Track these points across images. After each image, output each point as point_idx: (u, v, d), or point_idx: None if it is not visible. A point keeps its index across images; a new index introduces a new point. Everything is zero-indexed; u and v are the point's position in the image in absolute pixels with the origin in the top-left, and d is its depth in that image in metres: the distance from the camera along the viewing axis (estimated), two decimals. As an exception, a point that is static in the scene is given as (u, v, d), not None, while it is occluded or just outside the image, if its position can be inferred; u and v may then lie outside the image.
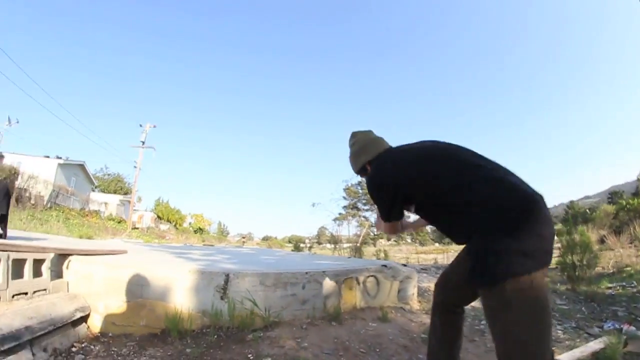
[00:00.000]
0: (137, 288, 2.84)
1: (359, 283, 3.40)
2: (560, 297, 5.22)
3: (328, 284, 3.19)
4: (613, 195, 33.67)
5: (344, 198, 25.29)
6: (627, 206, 17.00)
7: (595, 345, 3.06)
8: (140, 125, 28.33)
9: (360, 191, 28.05)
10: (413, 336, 3.06)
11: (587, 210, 30.40)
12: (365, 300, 3.44)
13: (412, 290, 3.88)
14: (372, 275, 3.50)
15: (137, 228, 30.29)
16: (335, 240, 13.26)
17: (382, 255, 10.98)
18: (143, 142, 27.91)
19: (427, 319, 3.53)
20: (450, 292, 1.64)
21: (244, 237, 39.44)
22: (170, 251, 6.16)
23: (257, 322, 2.82)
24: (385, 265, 3.66)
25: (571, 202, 38.41)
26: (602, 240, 11.61)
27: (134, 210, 31.65)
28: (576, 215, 30.97)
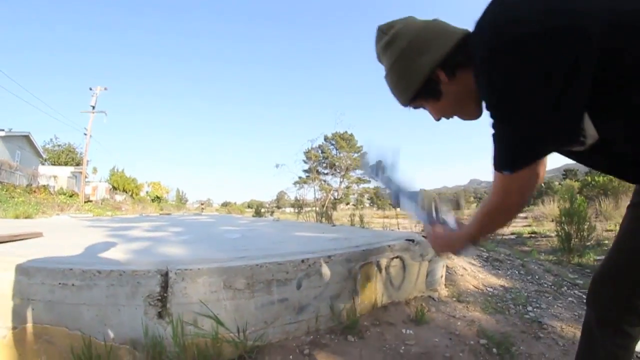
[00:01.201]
0: (23, 305, 1.53)
1: (380, 270, 2.22)
2: (567, 270, 4.44)
3: (338, 275, 2.00)
4: (567, 173, 35.10)
5: (304, 162, 24.72)
6: (592, 182, 17.56)
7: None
8: (90, 89, 25.92)
9: (321, 155, 27.46)
10: (470, 343, 1.98)
11: (542, 185, 31.59)
12: (388, 294, 2.29)
13: (441, 272, 2.79)
14: (397, 257, 2.34)
15: (91, 201, 28.21)
16: (300, 204, 12.23)
17: (357, 220, 9.93)
18: (93, 107, 25.68)
19: (466, 311, 2.49)
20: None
21: (202, 204, 37.88)
22: (112, 226, 4.70)
23: (227, 352, 1.61)
24: (412, 240, 2.50)
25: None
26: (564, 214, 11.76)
27: (87, 182, 29.59)
28: None
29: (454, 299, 2.73)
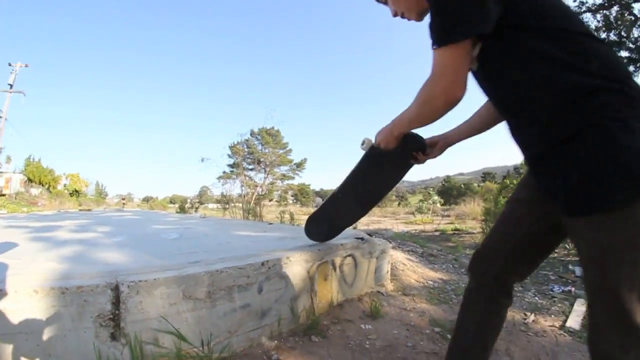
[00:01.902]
0: None
1: (335, 268, 2.26)
2: None
3: (297, 276, 1.99)
4: (486, 175, 38.36)
5: (229, 156, 24.17)
6: (511, 185, 19.14)
7: (581, 307, 2.73)
8: (10, 64, 22.62)
9: (247, 150, 27.01)
10: (426, 332, 2.09)
11: (462, 186, 34.33)
12: (342, 291, 2.33)
13: (387, 267, 2.90)
14: (349, 255, 2.39)
15: (4, 195, 24.96)
16: (226, 200, 11.88)
17: (287, 217, 9.88)
18: (11, 85, 22.43)
19: (414, 304, 2.63)
20: (510, 256, 1.13)
21: (123, 199, 34.84)
22: (33, 226, 4.08)
23: (190, 368, 1.51)
24: (361, 239, 2.58)
25: (447, 176, 42.77)
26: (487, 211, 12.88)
27: (0, 172, 25.64)
28: (452, 188, 34.85)
29: (400, 292, 2.86)
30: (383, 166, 1.67)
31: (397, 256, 3.85)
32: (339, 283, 2.29)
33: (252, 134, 27.74)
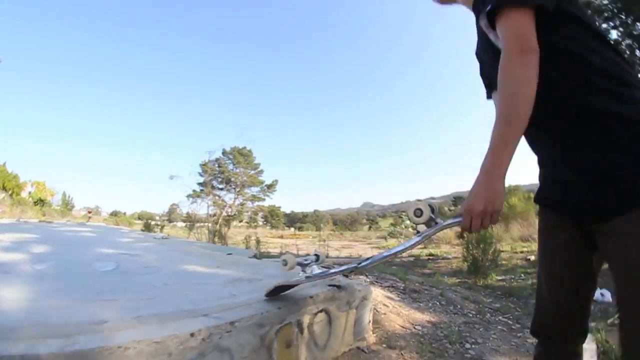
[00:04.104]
0: None
1: (301, 330, 1.66)
2: (479, 293, 4.51)
3: (247, 348, 1.38)
4: (457, 199, 38.67)
5: (200, 174, 23.53)
6: None
7: (591, 346, 2.37)
8: None
9: (217, 168, 26.10)
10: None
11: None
12: (312, 356, 1.74)
13: (369, 316, 2.34)
14: (321, 310, 1.80)
15: None
16: (191, 219, 11.52)
17: (253, 243, 9.20)
18: None
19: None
20: (569, 304, 1.03)
21: (90, 212, 33.07)
22: None
23: None
24: (338, 287, 2.00)
25: (418, 200, 42.69)
26: (461, 236, 12.68)
27: None
28: None
29: (385, 345, 2.30)
30: None
31: (377, 295, 3.30)
32: (307, 348, 1.69)
33: (224, 152, 26.85)
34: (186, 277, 2.43)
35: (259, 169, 28.54)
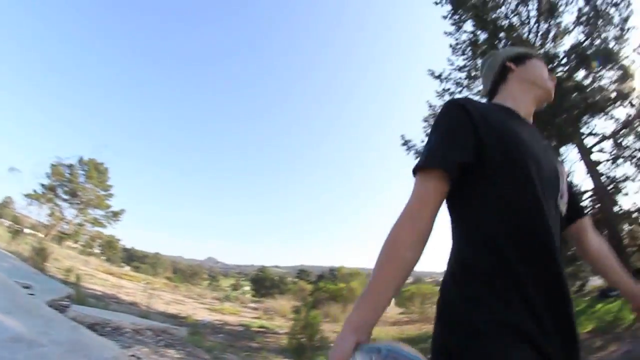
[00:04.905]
0: None
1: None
2: None
3: None
4: (301, 273, 39.54)
5: (47, 176, 20.48)
6: (324, 288, 20.92)
7: None
8: None
9: (68, 175, 22.03)
10: None
11: (277, 278, 34.96)
12: None
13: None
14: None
15: None
16: (19, 223, 9.93)
17: (73, 278, 7.79)
18: None
19: None
20: None
21: None
22: None
23: None
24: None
25: (263, 266, 41.84)
26: (296, 311, 12.96)
27: None
28: (266, 279, 34.95)
29: None
30: None
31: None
32: None
33: (80, 161, 23.17)
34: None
35: (109, 192, 25.14)
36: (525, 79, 1.09)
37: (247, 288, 26.53)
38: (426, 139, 0.99)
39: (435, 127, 0.96)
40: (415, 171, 0.90)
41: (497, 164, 0.87)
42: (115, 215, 25.61)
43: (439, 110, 1.01)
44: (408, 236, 0.82)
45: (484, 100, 1.15)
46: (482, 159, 0.87)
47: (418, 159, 0.93)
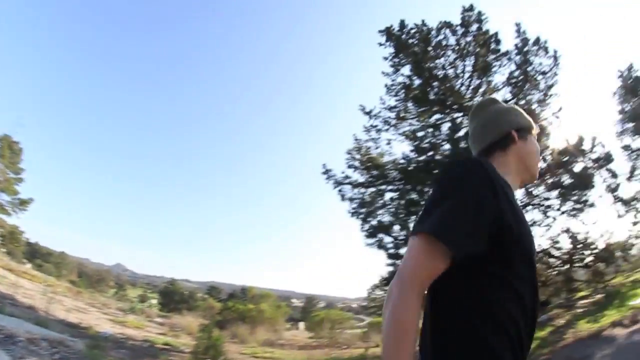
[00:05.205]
0: None
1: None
2: None
3: None
4: (212, 289, 38.51)
5: None
6: (233, 308, 20.96)
7: None
8: None
9: None
10: None
11: (186, 293, 33.69)
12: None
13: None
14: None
15: None
16: None
17: None
18: None
19: None
20: None
21: None
22: None
23: None
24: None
25: (173, 279, 39.58)
26: (203, 330, 13.18)
27: None
28: (175, 293, 33.52)
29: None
30: None
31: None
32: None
33: None
34: None
35: (20, 176, 22.56)
36: (522, 158, 1.06)
37: (155, 301, 25.52)
38: (438, 188, 0.92)
39: (456, 183, 0.88)
40: (420, 232, 0.83)
41: (511, 252, 0.84)
42: (23, 203, 23.12)
43: (457, 164, 0.98)
44: (415, 315, 0.77)
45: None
46: (496, 242, 0.82)
47: (423, 215, 0.85)
